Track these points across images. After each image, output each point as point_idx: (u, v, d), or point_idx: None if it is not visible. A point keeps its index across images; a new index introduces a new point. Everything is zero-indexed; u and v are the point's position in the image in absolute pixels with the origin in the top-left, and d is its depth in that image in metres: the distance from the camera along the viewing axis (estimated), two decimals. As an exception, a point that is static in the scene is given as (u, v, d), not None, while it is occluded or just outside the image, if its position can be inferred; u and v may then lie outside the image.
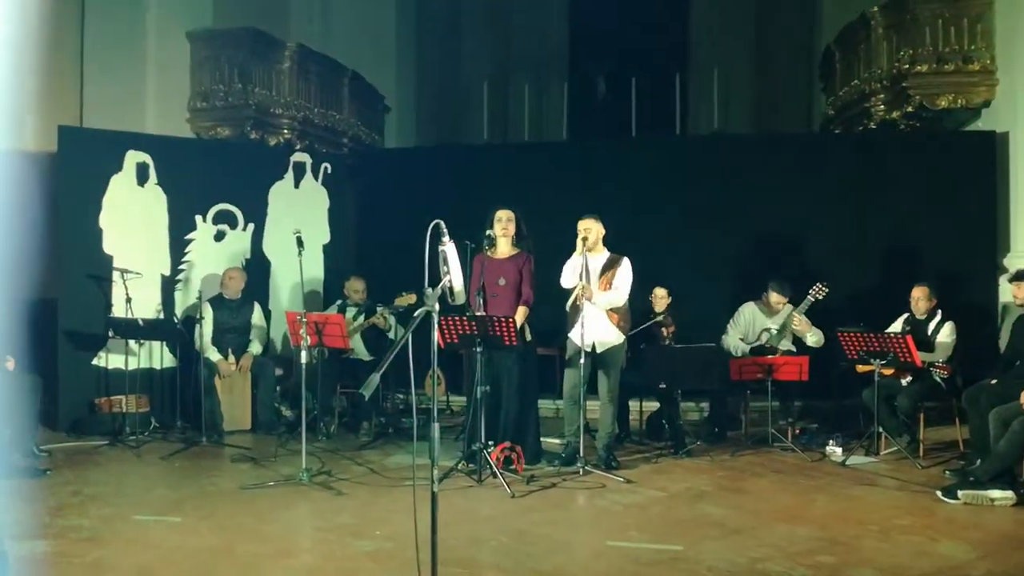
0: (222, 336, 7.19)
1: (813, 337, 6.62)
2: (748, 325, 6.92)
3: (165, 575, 3.71)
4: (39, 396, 6.04)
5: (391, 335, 7.32)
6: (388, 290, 7.38)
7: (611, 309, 5.78)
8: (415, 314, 3.04)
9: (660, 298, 6.90)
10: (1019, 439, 4.82)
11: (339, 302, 7.58)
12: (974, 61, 7.57)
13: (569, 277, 5.75)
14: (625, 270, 5.81)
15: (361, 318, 7.37)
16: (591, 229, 5.76)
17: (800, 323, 6.55)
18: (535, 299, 5.82)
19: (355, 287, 7.50)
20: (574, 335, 5.72)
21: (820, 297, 6.50)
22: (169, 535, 4.31)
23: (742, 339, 6.87)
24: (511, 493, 5.00)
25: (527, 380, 5.89)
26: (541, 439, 6.08)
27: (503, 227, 5.81)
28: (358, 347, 7.38)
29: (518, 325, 5.52)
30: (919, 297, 6.34)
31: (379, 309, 7.22)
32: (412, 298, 6.98)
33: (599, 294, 5.73)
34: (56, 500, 4.94)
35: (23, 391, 5.82)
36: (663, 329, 6.74)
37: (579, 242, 5.69)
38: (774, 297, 6.82)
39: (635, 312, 6.26)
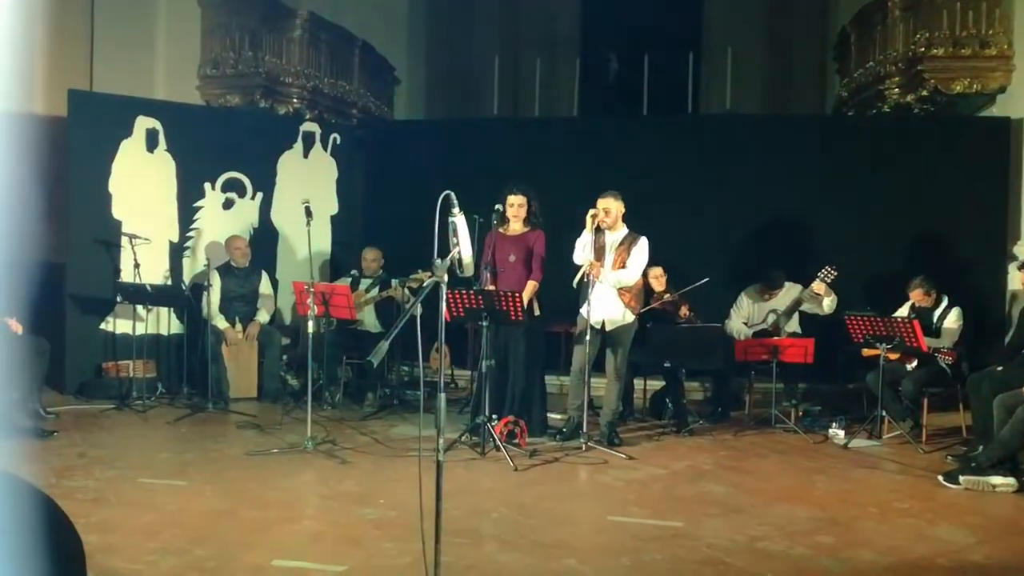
0: (229, 304, 7.22)
1: (830, 303, 6.54)
2: (750, 309, 6.93)
3: (169, 536, 3.75)
4: (47, 359, 6.08)
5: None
6: (396, 261, 7.37)
7: (623, 288, 5.75)
8: (424, 284, 3.03)
9: (656, 277, 6.76)
10: (1022, 426, 4.83)
11: (353, 272, 7.58)
12: (991, 46, 7.47)
13: (579, 253, 5.74)
14: (641, 249, 5.76)
15: (375, 290, 7.37)
16: (610, 208, 5.71)
17: (821, 288, 6.49)
18: (545, 275, 5.82)
19: (369, 256, 7.50)
20: (584, 311, 5.72)
21: (828, 280, 6.48)
22: (173, 498, 4.35)
23: (745, 323, 6.88)
24: (514, 466, 5.03)
25: (533, 355, 5.91)
26: (548, 414, 6.12)
27: (514, 212, 5.85)
28: (368, 319, 7.40)
29: (525, 300, 5.53)
30: (916, 298, 6.34)
31: (394, 283, 7.21)
32: (427, 276, 6.95)
33: (609, 272, 5.71)
34: (62, 461, 4.99)
35: (30, 354, 5.86)
36: (680, 309, 6.67)
37: (588, 219, 5.66)
38: (766, 288, 6.85)
39: (646, 292, 6.24)
